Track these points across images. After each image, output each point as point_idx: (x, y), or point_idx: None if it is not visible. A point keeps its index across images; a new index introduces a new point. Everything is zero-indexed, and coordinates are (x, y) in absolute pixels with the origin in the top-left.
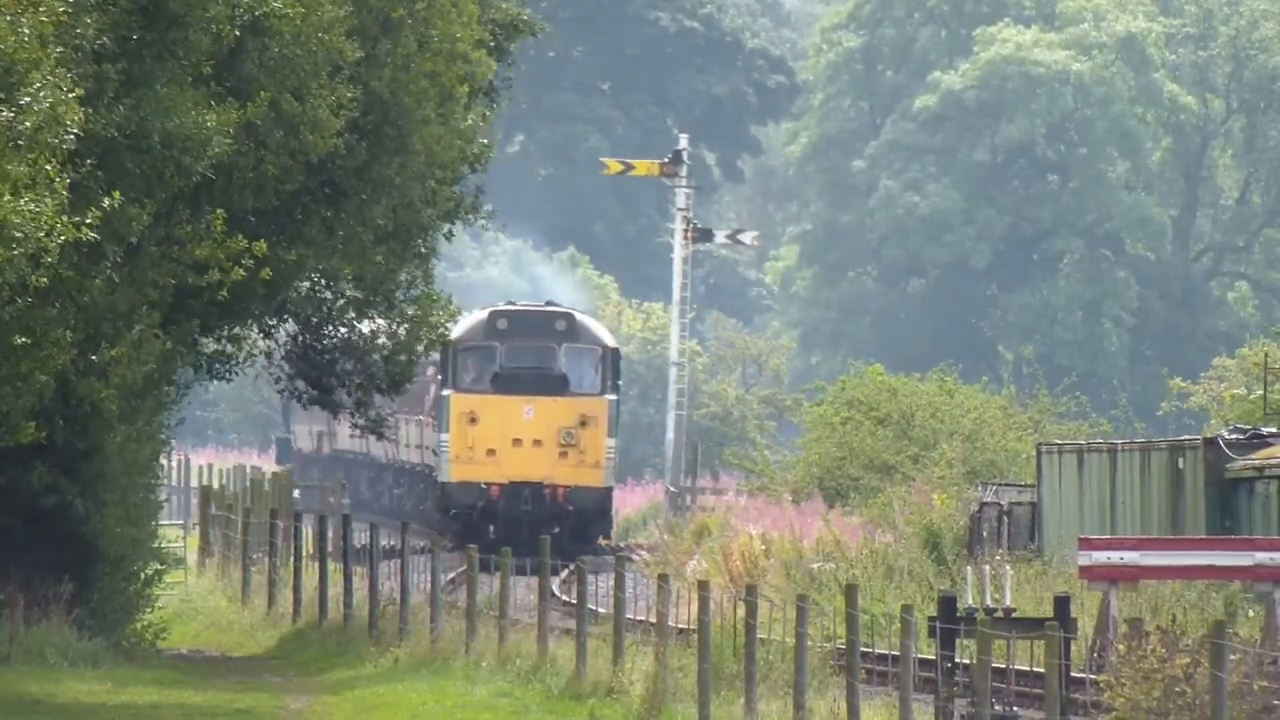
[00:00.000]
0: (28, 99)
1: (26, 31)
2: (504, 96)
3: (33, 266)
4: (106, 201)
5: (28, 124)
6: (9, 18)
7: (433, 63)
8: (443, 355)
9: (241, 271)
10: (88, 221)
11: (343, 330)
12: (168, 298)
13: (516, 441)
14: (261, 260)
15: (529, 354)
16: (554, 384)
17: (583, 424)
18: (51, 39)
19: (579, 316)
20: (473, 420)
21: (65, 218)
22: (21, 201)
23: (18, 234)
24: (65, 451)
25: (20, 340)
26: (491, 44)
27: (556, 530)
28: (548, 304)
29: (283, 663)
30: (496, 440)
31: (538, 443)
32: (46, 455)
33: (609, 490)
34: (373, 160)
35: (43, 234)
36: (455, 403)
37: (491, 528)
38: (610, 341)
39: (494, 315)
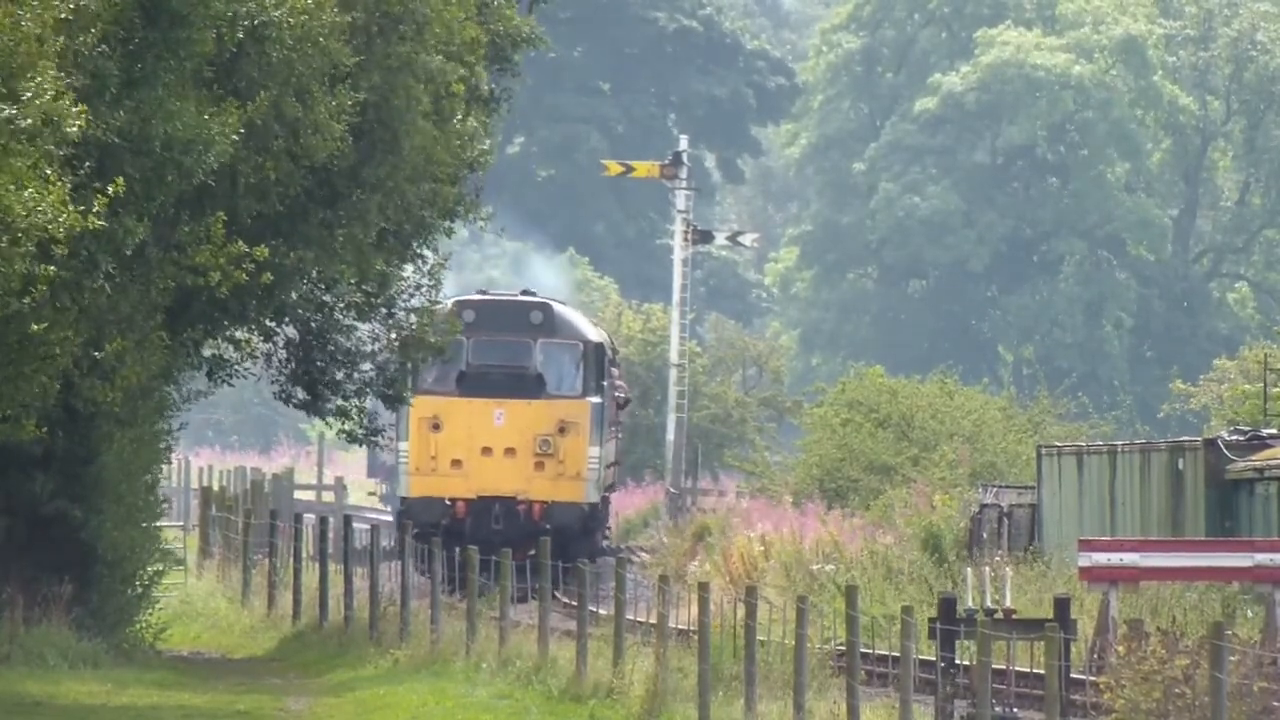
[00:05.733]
0: (29, 94)
1: (28, 27)
2: (503, 107)
3: (40, 257)
4: (111, 188)
5: (28, 121)
6: (10, 18)
7: (426, 65)
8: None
9: (243, 275)
10: (94, 210)
11: (340, 339)
12: (169, 300)
13: (486, 451)
14: (262, 265)
15: (500, 350)
16: (528, 385)
17: (562, 430)
18: (52, 38)
19: (557, 307)
20: (435, 426)
21: (71, 207)
22: (26, 193)
23: (22, 225)
24: (65, 459)
25: (26, 336)
26: (494, 54)
27: (533, 553)
28: (522, 293)
29: (283, 664)
30: (463, 449)
31: (510, 452)
32: (48, 464)
33: (593, 506)
34: (365, 162)
35: (48, 222)
36: (415, 406)
37: (458, 549)
38: (594, 336)
39: (459, 306)
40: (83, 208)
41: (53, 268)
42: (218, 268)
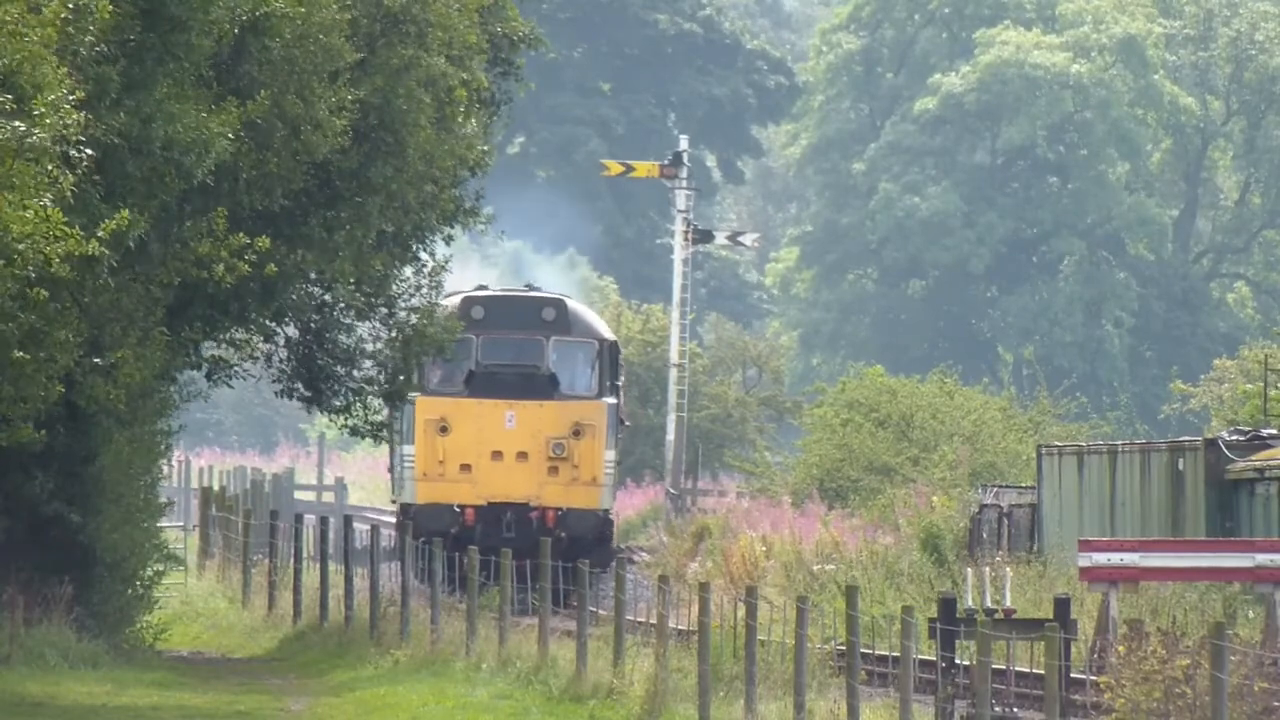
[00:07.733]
0: (41, 110)
1: (34, 38)
2: (503, 110)
3: (35, 278)
4: (115, 221)
5: (39, 136)
6: (16, 29)
7: (429, 68)
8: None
9: (246, 267)
10: (98, 235)
11: (340, 337)
12: (170, 297)
13: (496, 455)
14: (265, 256)
15: (511, 349)
16: (541, 385)
17: (576, 433)
18: (54, 45)
19: (571, 304)
20: (443, 429)
21: (74, 229)
22: (29, 212)
23: (20, 245)
24: (65, 459)
25: (19, 355)
26: (494, 57)
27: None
28: (528, 287)
29: (283, 664)
30: (472, 453)
31: (522, 456)
32: (48, 464)
33: (608, 513)
34: (368, 164)
35: (46, 247)
36: (421, 408)
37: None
38: (608, 334)
39: (468, 302)
40: (83, 233)
41: (45, 292)
42: (221, 259)
